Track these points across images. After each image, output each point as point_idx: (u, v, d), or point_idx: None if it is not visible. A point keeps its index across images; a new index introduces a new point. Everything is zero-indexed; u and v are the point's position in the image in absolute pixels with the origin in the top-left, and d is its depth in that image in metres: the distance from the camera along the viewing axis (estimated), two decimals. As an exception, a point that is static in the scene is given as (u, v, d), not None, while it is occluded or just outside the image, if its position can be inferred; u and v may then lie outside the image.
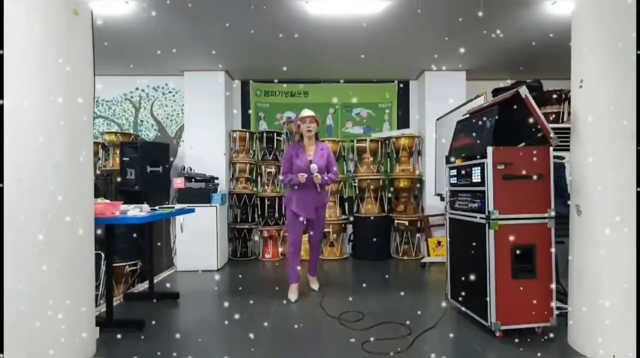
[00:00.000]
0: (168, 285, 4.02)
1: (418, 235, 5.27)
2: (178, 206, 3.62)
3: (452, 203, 2.93)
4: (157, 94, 5.48)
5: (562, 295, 2.67)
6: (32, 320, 1.87)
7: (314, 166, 3.28)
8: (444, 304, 3.00)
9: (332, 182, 3.55)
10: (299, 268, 3.40)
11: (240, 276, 4.30)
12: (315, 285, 3.69)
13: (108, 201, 2.67)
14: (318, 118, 3.51)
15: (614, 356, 2.04)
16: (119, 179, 4.50)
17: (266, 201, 5.22)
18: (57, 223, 1.97)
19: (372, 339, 2.44)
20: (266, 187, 5.28)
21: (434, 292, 3.54)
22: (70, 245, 2.05)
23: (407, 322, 2.71)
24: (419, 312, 2.98)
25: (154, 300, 3.36)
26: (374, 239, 5.09)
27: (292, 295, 3.36)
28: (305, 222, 3.42)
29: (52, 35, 1.97)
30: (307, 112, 3.46)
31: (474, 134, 2.74)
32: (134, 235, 4.49)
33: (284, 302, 3.30)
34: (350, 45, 4.18)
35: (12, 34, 1.83)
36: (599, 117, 2.14)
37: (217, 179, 4.84)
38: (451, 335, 2.62)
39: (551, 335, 2.44)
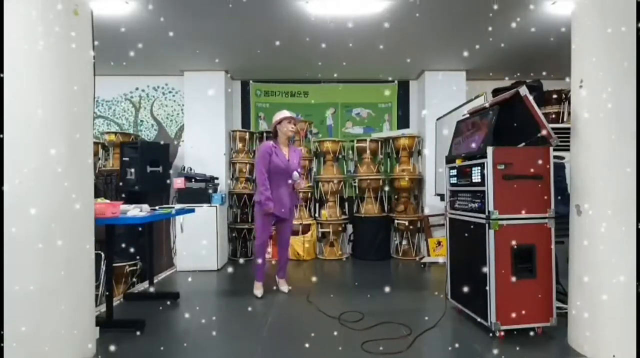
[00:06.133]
0: (168, 285, 4.02)
1: (418, 235, 5.27)
2: (178, 206, 3.62)
3: (452, 203, 2.93)
4: (157, 94, 5.48)
5: (562, 295, 2.66)
6: (31, 320, 1.87)
7: (296, 174, 3.36)
8: (442, 304, 2.99)
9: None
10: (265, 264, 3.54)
11: (240, 276, 4.30)
12: (284, 287, 3.58)
13: (108, 201, 2.67)
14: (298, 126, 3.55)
15: (613, 356, 2.04)
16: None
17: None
18: (57, 223, 1.97)
19: (372, 340, 2.44)
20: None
21: (434, 292, 3.54)
22: (70, 245, 2.05)
23: (407, 322, 2.71)
24: (419, 312, 2.98)
25: (154, 300, 3.36)
26: (374, 239, 5.09)
27: (258, 291, 3.46)
28: (273, 222, 3.49)
29: (51, 35, 1.96)
30: (292, 114, 3.48)
31: (473, 134, 2.74)
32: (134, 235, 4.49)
33: (283, 301, 3.30)
34: (351, 45, 4.18)
35: (12, 34, 1.83)
36: (599, 116, 2.14)
37: (217, 178, 4.84)
38: (451, 335, 2.62)
39: (551, 335, 2.44)
